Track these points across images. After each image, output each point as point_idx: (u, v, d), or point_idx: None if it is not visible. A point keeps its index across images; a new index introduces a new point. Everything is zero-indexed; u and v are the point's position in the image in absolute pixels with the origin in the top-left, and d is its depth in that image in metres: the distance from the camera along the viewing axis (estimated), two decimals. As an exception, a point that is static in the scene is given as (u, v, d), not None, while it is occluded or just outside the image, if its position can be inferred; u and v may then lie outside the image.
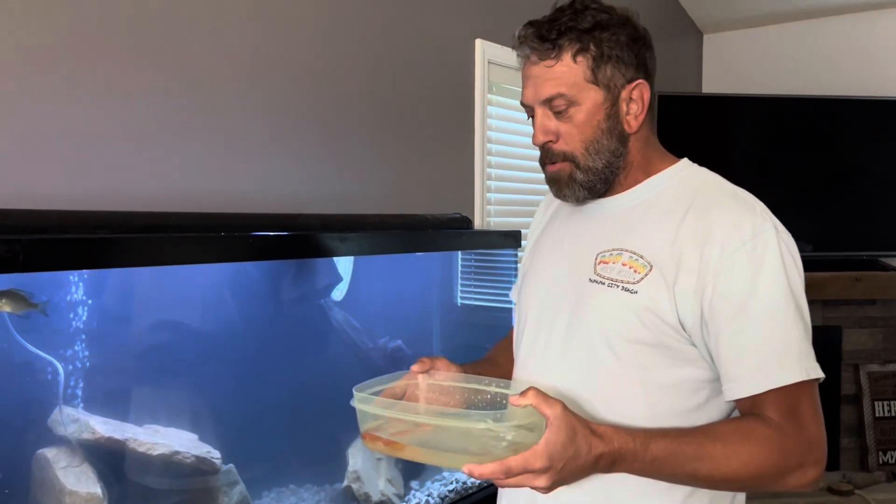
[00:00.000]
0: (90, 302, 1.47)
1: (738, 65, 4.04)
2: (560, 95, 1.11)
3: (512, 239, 2.27)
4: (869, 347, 3.44)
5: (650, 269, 1.07)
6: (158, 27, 1.67)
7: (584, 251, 1.17)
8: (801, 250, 3.95)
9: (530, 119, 1.18)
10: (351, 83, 2.13)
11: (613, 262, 1.11)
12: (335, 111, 2.09)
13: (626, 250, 1.11)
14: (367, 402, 1.06)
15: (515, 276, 2.33)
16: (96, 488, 1.45)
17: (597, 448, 0.94)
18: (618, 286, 1.09)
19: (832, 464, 3.41)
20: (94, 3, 1.56)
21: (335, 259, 1.95)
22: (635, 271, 1.08)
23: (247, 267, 1.75)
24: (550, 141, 1.14)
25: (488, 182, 2.60)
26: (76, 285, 1.45)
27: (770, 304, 1.04)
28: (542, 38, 1.11)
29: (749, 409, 1.05)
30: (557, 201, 1.28)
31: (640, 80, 1.15)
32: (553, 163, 1.15)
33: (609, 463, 0.96)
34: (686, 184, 1.16)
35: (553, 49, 1.10)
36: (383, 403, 1.08)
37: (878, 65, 3.67)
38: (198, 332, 1.71)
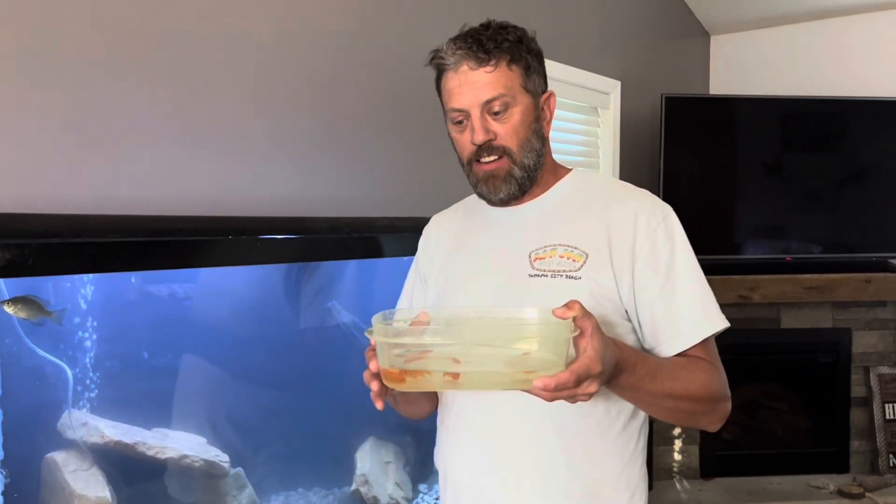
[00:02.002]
0: (100, 306, 1.47)
1: (745, 66, 4.02)
2: (502, 95, 1.20)
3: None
4: (879, 350, 3.42)
5: (587, 257, 1.20)
6: (165, 31, 1.68)
7: (513, 253, 1.25)
8: (810, 252, 3.88)
9: (459, 125, 1.25)
10: (358, 86, 2.13)
11: (550, 257, 1.22)
12: (342, 114, 2.09)
13: (559, 244, 1.23)
14: (408, 333, 1.02)
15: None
16: (105, 492, 1.46)
17: (616, 355, 1.03)
18: (561, 275, 1.20)
19: (842, 466, 3.39)
20: (101, 8, 1.57)
21: (343, 262, 1.95)
22: (573, 261, 1.21)
23: (255, 270, 1.75)
24: (490, 139, 1.22)
25: (496, 185, 2.59)
26: (85, 289, 1.46)
27: (688, 270, 1.22)
28: (480, 48, 1.20)
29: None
30: (455, 224, 1.39)
31: (551, 91, 1.29)
32: (490, 160, 1.23)
33: (619, 370, 1.05)
34: (592, 183, 1.33)
35: (491, 58, 1.20)
36: (411, 332, 1.04)
37: (888, 65, 3.65)
38: (206, 335, 1.71)
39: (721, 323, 1.22)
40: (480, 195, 1.29)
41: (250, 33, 1.85)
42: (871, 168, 3.48)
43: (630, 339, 1.22)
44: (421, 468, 2.17)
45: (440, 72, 1.26)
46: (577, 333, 0.98)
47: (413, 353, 1.00)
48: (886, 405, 3.38)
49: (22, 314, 1.32)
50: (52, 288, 1.40)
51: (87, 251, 1.31)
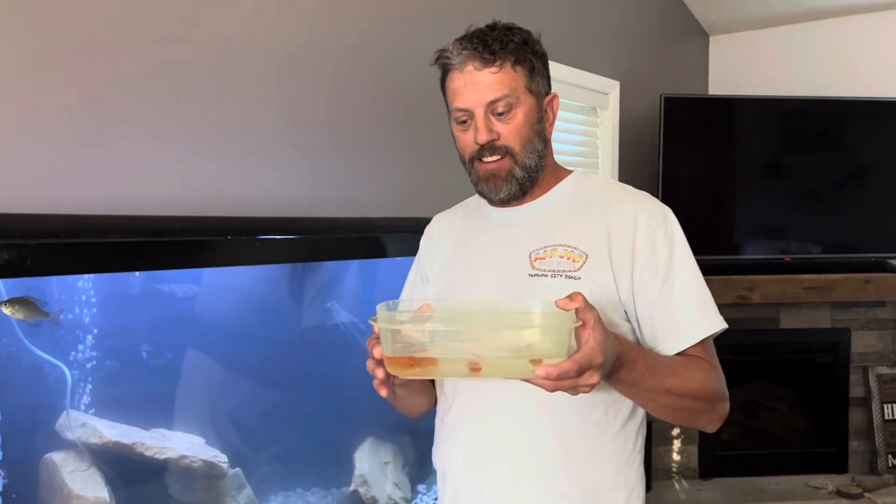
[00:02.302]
0: (98, 306, 1.47)
1: (744, 66, 4.02)
2: (506, 96, 1.21)
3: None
4: (878, 350, 3.42)
5: (586, 258, 1.22)
6: (168, 30, 1.68)
7: (514, 253, 1.26)
8: (809, 252, 3.89)
9: (462, 124, 1.26)
10: (360, 86, 2.13)
11: (550, 257, 1.23)
12: (343, 113, 2.09)
13: (559, 245, 1.24)
14: (399, 322, 1.04)
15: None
16: (104, 492, 1.46)
17: (617, 348, 1.04)
18: (561, 276, 1.21)
19: (841, 467, 3.39)
20: (106, 5, 1.56)
21: (343, 262, 1.95)
22: (573, 261, 1.22)
23: (255, 271, 1.75)
24: (493, 139, 1.23)
25: (495, 185, 2.59)
26: (84, 289, 1.45)
27: (687, 271, 1.24)
28: (486, 48, 1.21)
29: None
30: (457, 223, 1.40)
31: (555, 93, 1.31)
32: (492, 159, 1.24)
33: (620, 364, 1.06)
34: (592, 185, 1.34)
35: (496, 59, 1.21)
36: (413, 318, 1.07)
37: (887, 66, 3.65)
38: (205, 335, 1.71)
39: (719, 324, 1.23)
40: (481, 194, 1.31)
41: (252, 36, 1.85)
42: (870, 168, 3.48)
43: (629, 340, 1.22)
44: (419, 468, 2.17)
45: (445, 71, 1.27)
46: (579, 325, 0.99)
47: (417, 342, 1.01)
48: (885, 405, 3.38)
49: (19, 315, 1.31)
50: (50, 288, 1.39)
51: (85, 251, 1.31)
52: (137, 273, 1.52)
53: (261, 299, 1.83)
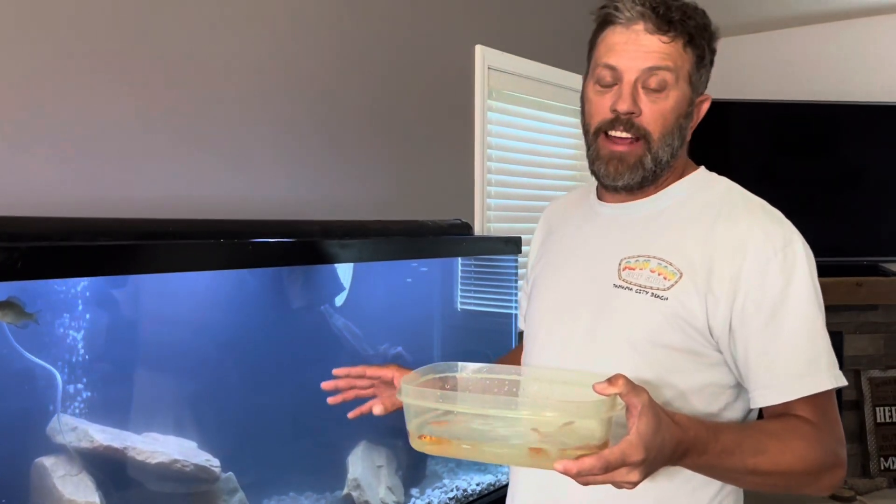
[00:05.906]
0: (89, 309, 1.46)
1: (740, 70, 4.03)
2: (668, 69, 1.07)
3: (512, 245, 2.26)
4: (870, 353, 3.43)
5: (680, 277, 1.07)
6: (161, 34, 1.67)
7: (605, 257, 1.15)
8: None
9: (603, 86, 1.11)
10: (352, 89, 2.12)
11: (640, 269, 1.10)
12: (335, 117, 2.08)
13: (654, 257, 1.10)
14: (421, 396, 0.99)
15: (516, 291, 2.32)
16: (94, 497, 1.44)
17: (676, 436, 0.90)
18: (647, 292, 1.08)
19: (834, 470, 3.39)
20: (98, 8, 1.56)
21: (336, 266, 1.94)
22: (665, 278, 1.08)
23: (247, 274, 1.74)
24: (634, 113, 1.09)
25: (488, 188, 2.60)
26: (75, 292, 1.45)
27: (800, 313, 1.06)
28: (666, 13, 1.07)
29: (781, 412, 1.06)
30: (563, 211, 1.30)
31: (708, 96, 1.16)
32: (625, 138, 1.10)
33: (682, 452, 0.92)
34: (707, 192, 1.17)
35: (671, 30, 1.07)
36: (437, 395, 1.01)
37: (882, 70, 3.66)
38: (197, 339, 1.70)
39: (830, 382, 1.04)
40: (595, 174, 1.16)
41: (246, 39, 1.85)
42: (863, 172, 3.50)
43: (721, 373, 1.10)
44: (413, 472, 2.17)
45: (605, 24, 1.11)
46: (620, 410, 0.88)
47: (438, 418, 1.00)
48: (878, 408, 3.39)
49: (8, 318, 1.30)
50: (37, 288, 1.38)
51: (77, 254, 1.30)
52: (129, 276, 1.51)
53: (254, 303, 1.82)
